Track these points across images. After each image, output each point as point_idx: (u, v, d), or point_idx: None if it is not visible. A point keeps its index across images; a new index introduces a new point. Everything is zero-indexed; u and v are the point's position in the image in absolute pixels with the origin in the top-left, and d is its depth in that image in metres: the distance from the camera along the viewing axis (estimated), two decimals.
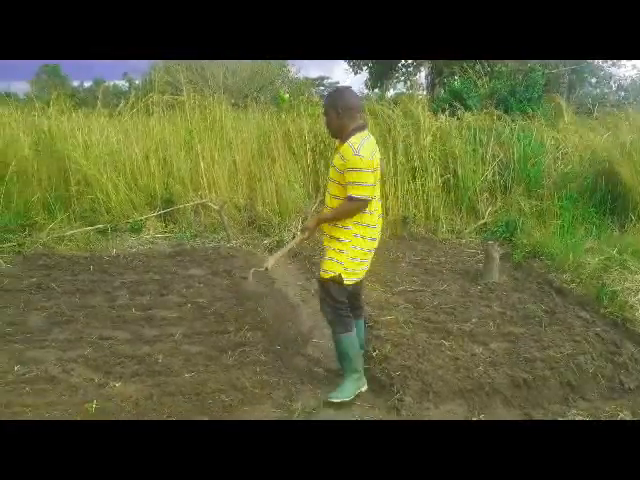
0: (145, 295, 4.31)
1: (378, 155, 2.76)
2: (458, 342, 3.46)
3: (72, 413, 2.65)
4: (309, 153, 6.60)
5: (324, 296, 2.84)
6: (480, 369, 3.07)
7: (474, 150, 6.64)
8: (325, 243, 2.85)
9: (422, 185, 6.39)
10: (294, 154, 6.55)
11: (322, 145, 6.63)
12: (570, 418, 2.81)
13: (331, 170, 2.78)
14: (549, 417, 2.80)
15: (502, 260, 4.86)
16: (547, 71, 11.69)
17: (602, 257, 4.95)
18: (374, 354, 3.27)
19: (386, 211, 6.36)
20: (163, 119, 6.91)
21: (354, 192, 2.60)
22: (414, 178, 6.40)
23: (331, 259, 2.75)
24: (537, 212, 6.18)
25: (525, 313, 3.96)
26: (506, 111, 7.62)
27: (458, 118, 7.11)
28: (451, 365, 3.13)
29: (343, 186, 2.66)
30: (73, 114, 6.76)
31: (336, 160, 2.70)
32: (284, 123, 6.77)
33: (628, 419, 2.82)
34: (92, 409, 2.67)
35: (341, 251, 2.72)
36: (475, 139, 6.74)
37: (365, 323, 3.28)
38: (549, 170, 6.72)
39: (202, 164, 6.19)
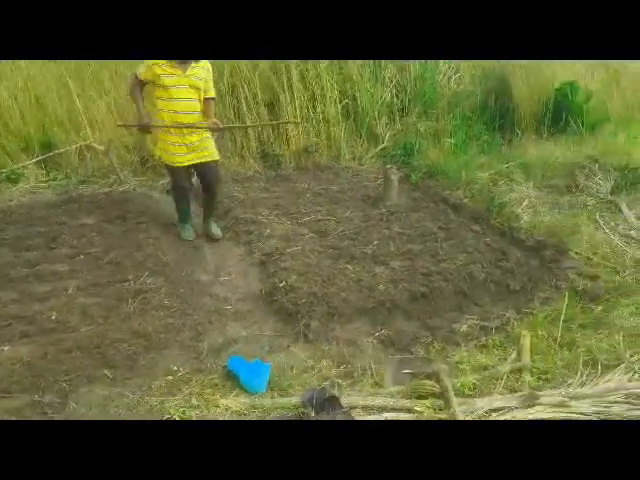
0: (31, 250, 3.93)
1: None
2: (361, 265, 3.56)
3: None
4: None
5: None
6: (381, 287, 3.20)
7: (371, 72, 6.55)
8: None
9: (322, 112, 6.25)
10: None
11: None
12: (463, 323, 3.04)
13: None
14: (445, 325, 3.02)
15: (401, 183, 4.98)
16: None
17: (492, 172, 5.25)
18: (280, 285, 3.28)
19: (287, 141, 6.21)
20: None
21: None
22: (314, 107, 6.23)
23: None
24: (433, 133, 6.33)
25: (422, 231, 4.13)
26: None
27: None
28: (355, 287, 3.23)
29: None
30: None
31: None
32: None
33: (513, 317, 3.10)
34: None
35: None
36: (374, 61, 6.63)
37: None
38: (443, 90, 6.85)
39: (78, 102, 5.57)
